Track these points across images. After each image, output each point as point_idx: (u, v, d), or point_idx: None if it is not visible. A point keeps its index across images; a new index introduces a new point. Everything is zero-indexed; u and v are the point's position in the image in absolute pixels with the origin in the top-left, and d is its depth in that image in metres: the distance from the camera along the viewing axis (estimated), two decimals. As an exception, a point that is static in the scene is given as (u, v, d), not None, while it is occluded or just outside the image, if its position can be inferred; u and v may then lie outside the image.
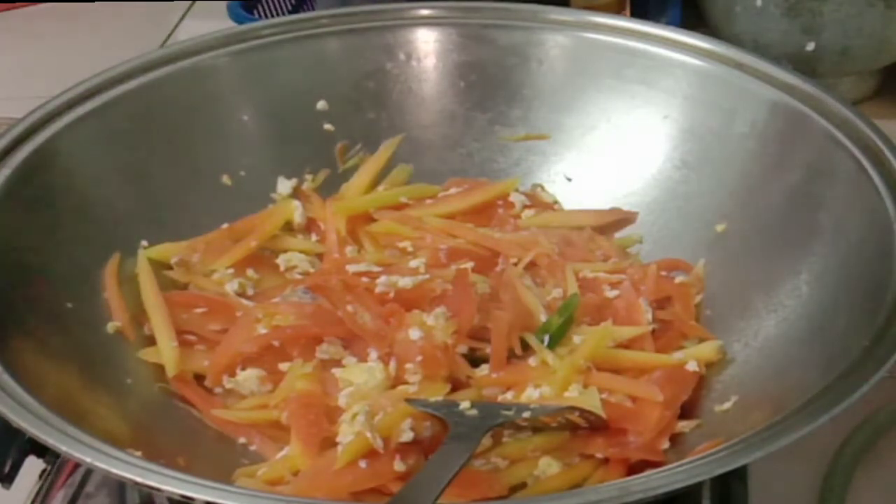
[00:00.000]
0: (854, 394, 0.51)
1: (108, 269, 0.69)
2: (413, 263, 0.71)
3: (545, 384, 0.63)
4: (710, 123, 0.75)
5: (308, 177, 0.80)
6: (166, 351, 0.67)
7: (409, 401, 0.61)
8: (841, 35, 0.92)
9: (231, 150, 0.78)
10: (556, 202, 0.79)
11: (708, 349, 0.66)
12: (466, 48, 0.82)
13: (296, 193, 0.79)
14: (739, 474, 0.61)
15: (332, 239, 0.75)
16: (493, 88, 0.82)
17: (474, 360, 0.66)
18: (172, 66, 0.78)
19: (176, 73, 0.77)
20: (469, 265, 0.71)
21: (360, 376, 0.64)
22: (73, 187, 0.71)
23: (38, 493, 0.63)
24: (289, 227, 0.77)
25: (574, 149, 0.80)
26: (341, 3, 0.87)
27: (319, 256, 0.75)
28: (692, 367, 0.64)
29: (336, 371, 0.65)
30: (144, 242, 0.72)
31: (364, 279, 0.69)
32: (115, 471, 0.49)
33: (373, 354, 0.65)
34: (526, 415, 0.60)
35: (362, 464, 0.58)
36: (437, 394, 0.63)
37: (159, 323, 0.68)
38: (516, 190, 0.79)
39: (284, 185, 0.79)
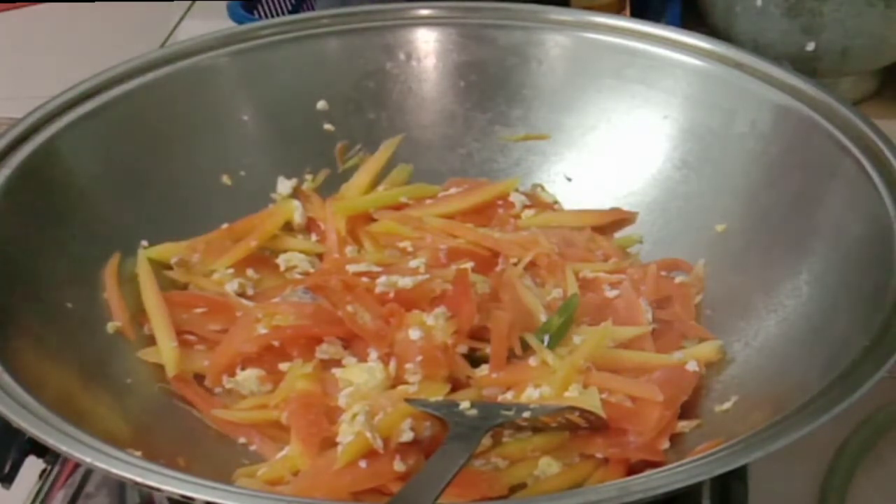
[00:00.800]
0: (854, 394, 0.51)
1: (108, 269, 0.69)
2: (413, 263, 0.71)
3: (545, 384, 0.63)
4: (710, 123, 0.75)
5: (308, 177, 0.80)
6: (166, 351, 0.67)
7: (409, 401, 0.61)
8: (841, 35, 0.92)
9: (231, 150, 0.78)
10: (556, 202, 0.79)
11: (708, 349, 0.66)
12: (466, 48, 0.82)
13: (296, 193, 0.79)
14: (739, 474, 0.61)
15: (332, 239, 0.75)
16: (493, 88, 0.82)
17: (474, 360, 0.66)
18: (172, 66, 0.78)
19: (176, 73, 0.77)
20: (469, 265, 0.71)
21: (360, 376, 0.64)
22: (73, 187, 0.71)
23: (38, 493, 0.63)
24: (289, 227, 0.77)
25: (574, 149, 0.80)
26: (341, 3, 0.87)
27: (319, 256, 0.75)
28: (692, 367, 0.64)
29: (336, 371, 0.65)
30: (144, 242, 0.72)
31: (364, 279, 0.69)
32: (115, 471, 0.49)
33: (373, 354, 0.65)
34: (526, 415, 0.60)
35: (362, 464, 0.58)
36: (437, 394, 0.63)
37: (159, 323, 0.68)
38: (516, 190, 0.79)
39: (284, 185, 0.79)
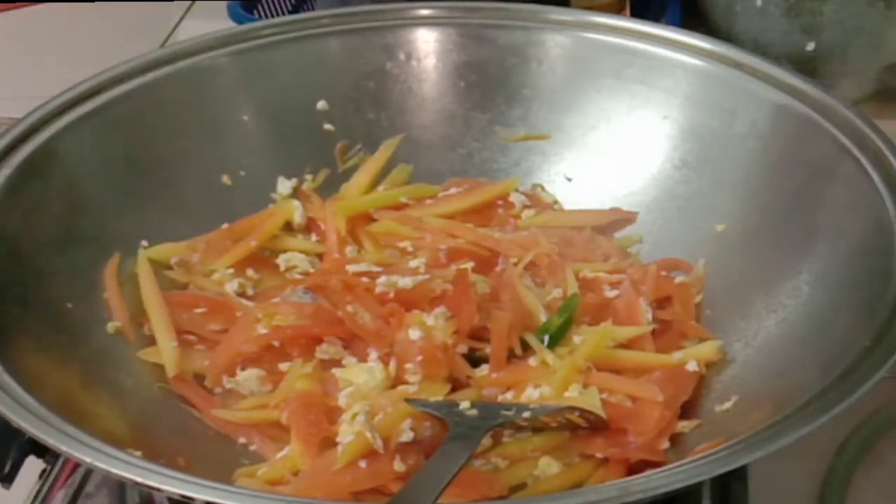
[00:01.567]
0: (854, 394, 0.51)
1: (108, 269, 0.69)
2: (413, 263, 0.71)
3: (545, 384, 0.63)
4: (710, 123, 0.75)
5: (308, 177, 0.80)
6: (166, 351, 0.67)
7: (409, 401, 0.61)
8: (841, 35, 0.92)
9: (231, 150, 0.78)
10: (556, 202, 0.79)
11: (708, 349, 0.66)
12: (466, 48, 0.82)
13: (296, 193, 0.79)
14: (739, 474, 0.61)
15: (332, 239, 0.75)
16: (493, 88, 0.82)
17: (474, 360, 0.66)
18: (172, 66, 0.78)
19: (176, 73, 0.77)
20: (469, 265, 0.71)
21: (360, 376, 0.64)
22: (73, 187, 0.71)
23: (38, 493, 0.63)
24: (289, 227, 0.77)
25: (574, 149, 0.80)
26: (341, 3, 0.87)
27: (319, 256, 0.75)
28: (692, 367, 0.64)
29: (336, 371, 0.65)
30: (144, 242, 0.72)
31: (364, 279, 0.69)
32: (115, 471, 0.49)
33: (373, 354, 0.65)
34: (526, 415, 0.60)
35: (362, 464, 0.58)
36: (437, 394, 0.63)
37: (159, 323, 0.68)
38: (516, 190, 0.79)
39: (284, 185, 0.79)
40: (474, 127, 0.82)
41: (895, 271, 0.58)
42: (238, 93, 0.80)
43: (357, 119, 0.81)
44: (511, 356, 0.66)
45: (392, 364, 0.64)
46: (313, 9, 1.02)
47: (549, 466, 0.60)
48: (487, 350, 0.66)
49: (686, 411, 0.63)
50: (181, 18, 1.22)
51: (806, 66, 0.91)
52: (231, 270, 0.73)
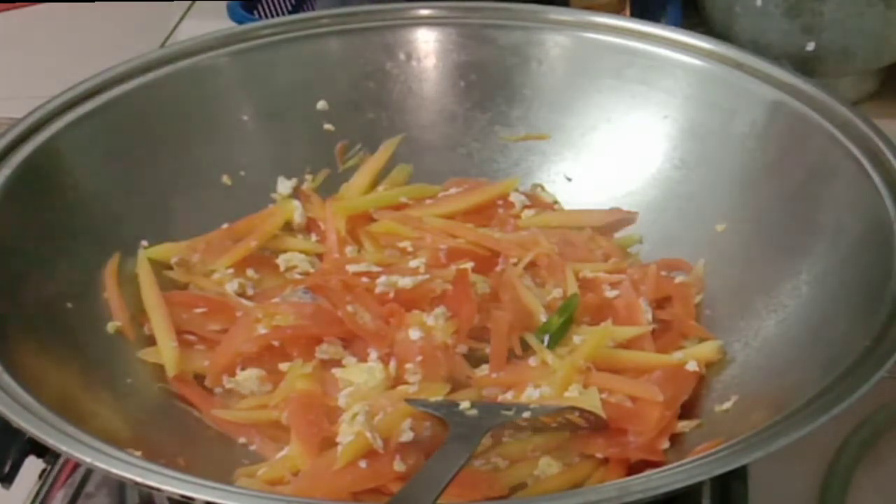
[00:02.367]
0: (854, 394, 0.51)
1: (108, 269, 0.69)
2: (413, 263, 0.71)
3: (545, 384, 0.63)
4: (710, 123, 0.75)
5: (308, 177, 0.80)
6: (166, 351, 0.67)
7: (409, 401, 0.61)
8: (841, 35, 0.92)
9: (231, 150, 0.78)
10: (556, 202, 0.79)
11: (708, 349, 0.66)
12: (466, 48, 0.82)
13: (296, 193, 0.79)
14: (739, 474, 0.61)
15: (332, 239, 0.75)
16: (493, 88, 0.82)
17: (474, 360, 0.66)
18: (172, 66, 0.78)
19: (176, 73, 0.77)
20: (469, 265, 0.71)
21: (360, 376, 0.64)
22: (73, 187, 0.71)
23: (38, 493, 0.63)
24: (289, 227, 0.77)
25: (574, 149, 0.80)
26: (341, 3, 0.87)
27: (319, 256, 0.75)
28: (692, 367, 0.64)
29: (336, 371, 0.65)
30: (144, 242, 0.72)
31: (364, 279, 0.69)
32: (115, 471, 0.49)
33: (373, 354, 0.65)
34: (526, 415, 0.60)
35: (362, 464, 0.58)
36: (437, 394, 0.63)
37: (159, 323, 0.68)
38: (516, 190, 0.79)
39: (284, 185, 0.79)
40: (474, 127, 0.82)
41: (895, 271, 0.58)
42: (238, 93, 0.80)
43: (357, 119, 0.81)
44: (511, 356, 0.66)
45: (392, 364, 0.64)
46: (313, 9, 1.02)
47: (549, 466, 0.60)
48: (487, 350, 0.66)
49: (686, 411, 0.63)
50: (181, 18, 1.22)
51: (806, 66, 0.92)
52: (231, 270, 0.73)
